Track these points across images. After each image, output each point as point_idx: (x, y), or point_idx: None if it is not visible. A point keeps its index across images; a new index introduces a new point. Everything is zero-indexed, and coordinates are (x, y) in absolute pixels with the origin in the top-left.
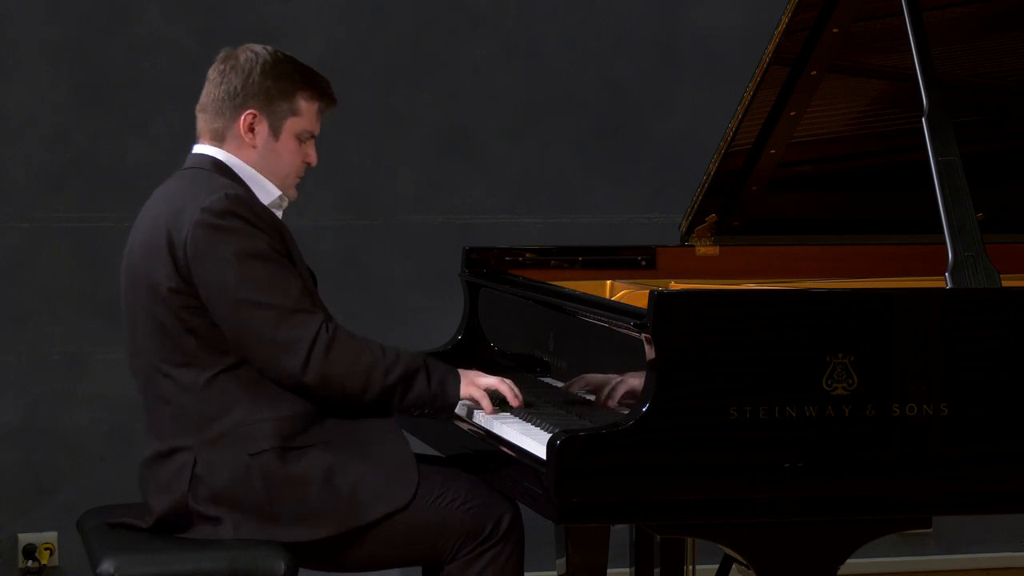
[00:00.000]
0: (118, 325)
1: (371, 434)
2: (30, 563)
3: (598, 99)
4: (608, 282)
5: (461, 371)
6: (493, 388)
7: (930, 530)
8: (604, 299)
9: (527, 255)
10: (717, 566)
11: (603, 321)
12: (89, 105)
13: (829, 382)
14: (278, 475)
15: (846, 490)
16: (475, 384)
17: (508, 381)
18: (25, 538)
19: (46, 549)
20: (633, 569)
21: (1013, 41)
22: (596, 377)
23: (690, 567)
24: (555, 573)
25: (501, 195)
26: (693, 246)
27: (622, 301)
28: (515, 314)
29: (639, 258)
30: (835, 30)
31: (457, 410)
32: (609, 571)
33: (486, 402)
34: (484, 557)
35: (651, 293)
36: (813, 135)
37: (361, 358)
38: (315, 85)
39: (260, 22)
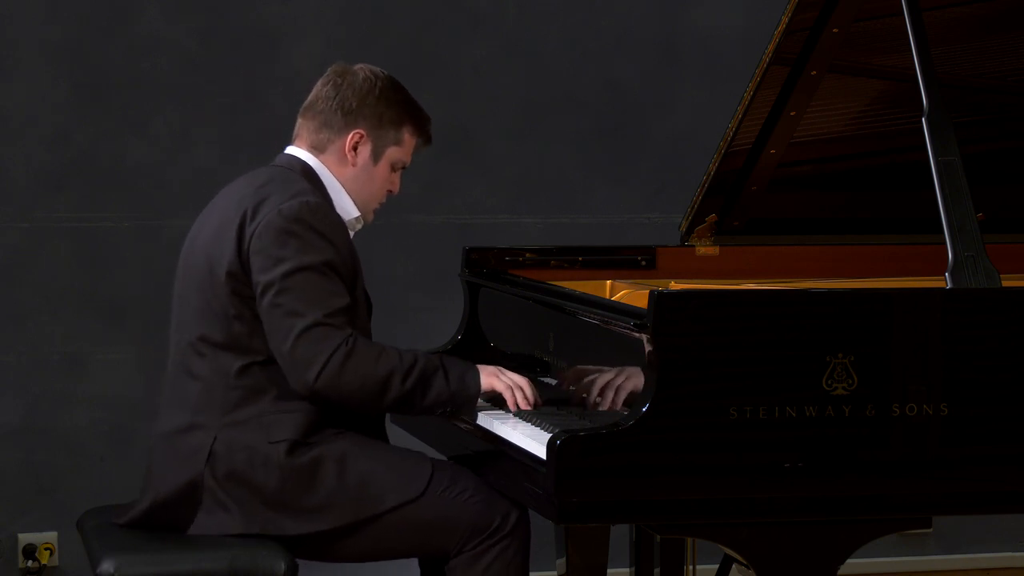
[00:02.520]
0: (118, 325)
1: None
2: (30, 563)
3: (598, 99)
4: (608, 282)
5: (480, 366)
6: (516, 384)
7: (930, 530)
8: (604, 299)
9: (527, 255)
10: (717, 566)
11: (603, 321)
12: (89, 105)
13: (829, 382)
14: (293, 464)
15: (846, 490)
16: (496, 376)
17: (527, 384)
18: (25, 538)
19: (46, 549)
20: (633, 569)
21: (1013, 41)
22: (587, 370)
23: (690, 567)
24: (555, 573)
25: (501, 195)
26: (693, 246)
27: (622, 301)
28: (515, 314)
29: (639, 258)
30: (835, 30)
31: None
32: (609, 571)
33: (509, 394)
34: (491, 552)
35: (651, 293)
36: (813, 135)
37: (378, 369)
38: (421, 121)
39: (260, 22)
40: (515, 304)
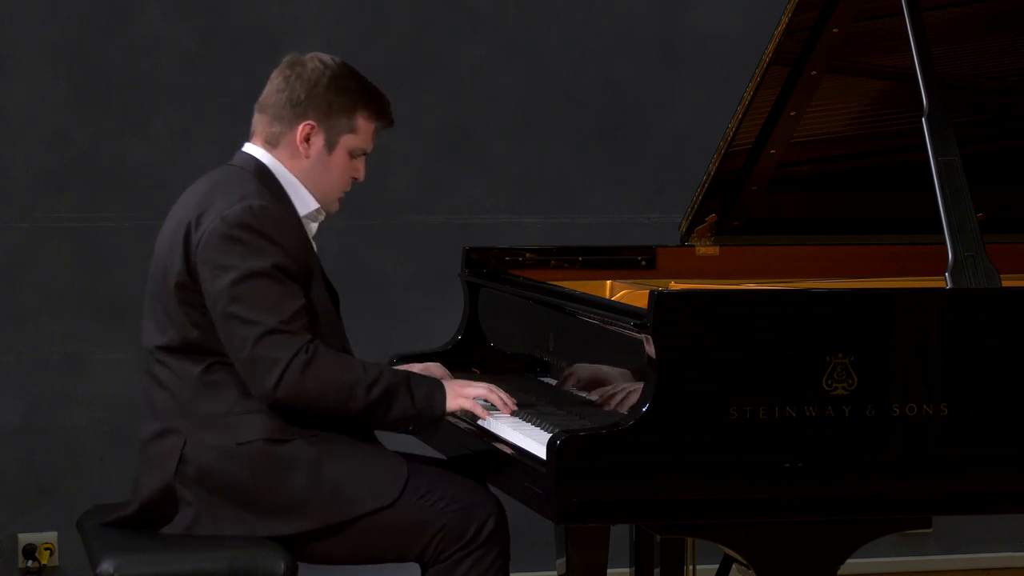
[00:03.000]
0: (118, 325)
1: (361, 433)
2: (30, 563)
3: (598, 99)
4: (608, 282)
5: (446, 382)
6: (482, 397)
7: (930, 530)
8: (604, 299)
9: (527, 255)
10: (717, 566)
11: (603, 321)
12: (89, 105)
13: (829, 382)
14: (264, 465)
15: (846, 490)
16: (462, 395)
17: (495, 388)
18: (25, 538)
19: (46, 549)
20: (633, 569)
21: (1013, 41)
22: (588, 369)
23: (690, 567)
24: (555, 573)
25: (501, 195)
26: (693, 246)
27: (622, 301)
28: (515, 314)
29: (639, 258)
30: (835, 30)
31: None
32: (609, 571)
33: (478, 410)
34: (466, 561)
35: (651, 293)
36: (813, 135)
37: (341, 378)
38: (376, 105)
39: (260, 22)
40: (515, 304)
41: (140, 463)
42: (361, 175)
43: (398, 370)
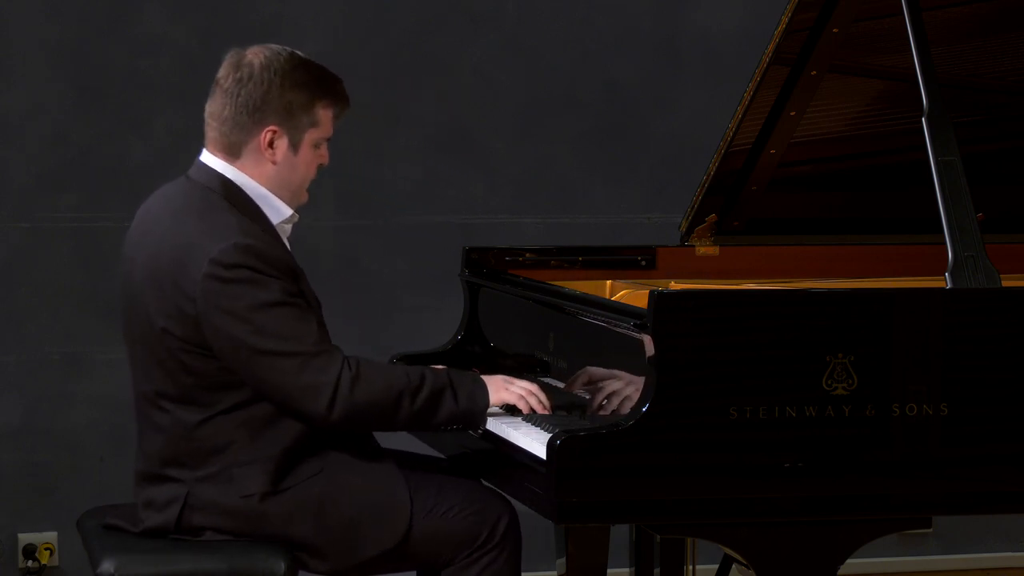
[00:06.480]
0: (118, 325)
1: (362, 457)
2: (30, 563)
3: (598, 99)
4: (608, 282)
5: (487, 378)
6: (528, 391)
7: (930, 530)
8: (604, 299)
9: (527, 255)
10: (717, 566)
11: (603, 321)
12: (89, 105)
13: (829, 382)
14: (268, 521)
15: (846, 490)
16: (506, 389)
17: (537, 390)
18: (25, 538)
19: (46, 549)
20: (633, 569)
21: (1013, 41)
22: (599, 371)
23: (690, 567)
24: (555, 573)
25: (501, 195)
26: (693, 246)
27: (622, 301)
28: (515, 314)
29: (639, 258)
30: (835, 30)
31: None
32: (609, 571)
33: (523, 404)
34: (480, 562)
35: (651, 293)
36: (813, 135)
37: (388, 389)
38: (332, 92)
39: (260, 22)
40: (515, 304)
41: (137, 494)
42: (326, 160)
43: (438, 371)
